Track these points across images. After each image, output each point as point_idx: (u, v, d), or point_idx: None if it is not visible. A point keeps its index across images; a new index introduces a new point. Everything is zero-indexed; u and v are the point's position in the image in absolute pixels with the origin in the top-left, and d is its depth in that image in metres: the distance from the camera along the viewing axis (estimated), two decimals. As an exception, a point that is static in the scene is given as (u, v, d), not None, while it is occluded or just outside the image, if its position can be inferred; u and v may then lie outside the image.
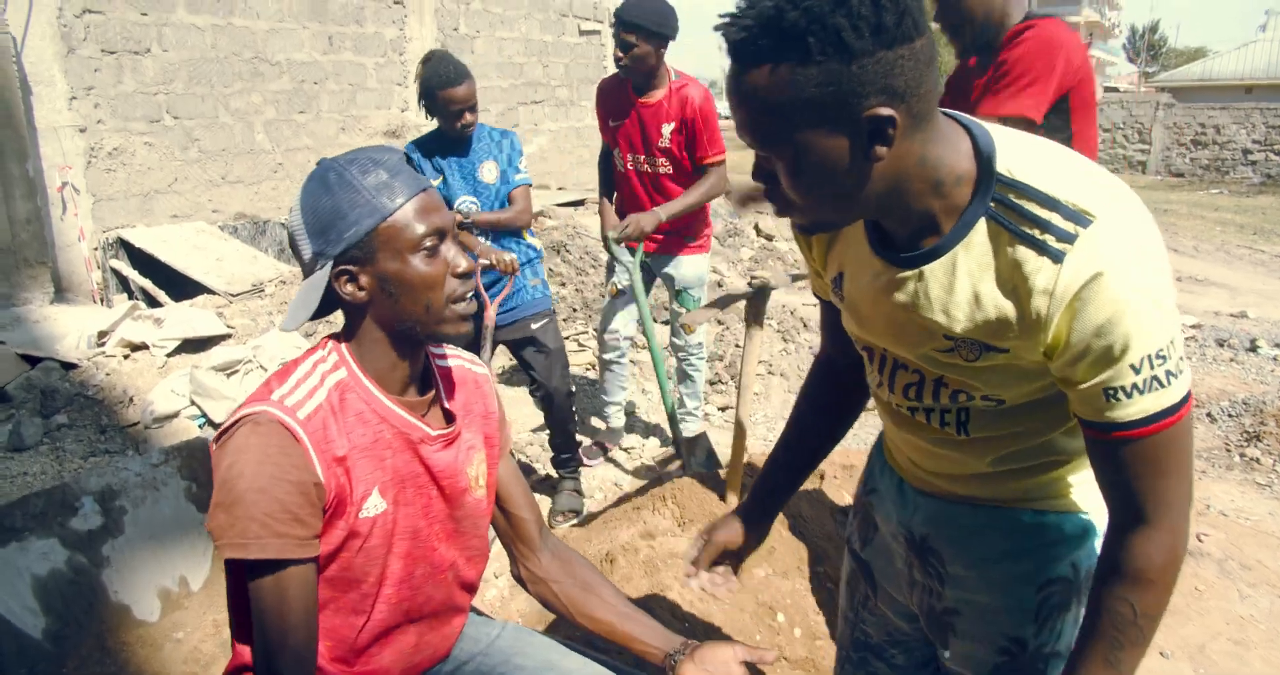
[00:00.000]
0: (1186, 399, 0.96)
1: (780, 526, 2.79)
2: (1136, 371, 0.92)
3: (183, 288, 5.95)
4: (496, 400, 1.38)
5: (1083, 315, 0.91)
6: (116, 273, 6.27)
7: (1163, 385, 0.93)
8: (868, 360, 1.23)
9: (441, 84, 2.79)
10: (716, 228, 8.37)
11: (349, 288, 1.13)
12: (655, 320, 4.97)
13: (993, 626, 1.23)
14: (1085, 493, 1.17)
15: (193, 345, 4.73)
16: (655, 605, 2.26)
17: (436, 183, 2.98)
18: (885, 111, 0.88)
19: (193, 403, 3.95)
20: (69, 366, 4.47)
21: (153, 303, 5.91)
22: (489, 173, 3.02)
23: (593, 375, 4.79)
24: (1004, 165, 0.96)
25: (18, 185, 5.71)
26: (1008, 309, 0.97)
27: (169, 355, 4.63)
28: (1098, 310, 0.90)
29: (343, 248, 1.10)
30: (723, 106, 1.79)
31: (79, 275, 6.13)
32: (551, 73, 10.87)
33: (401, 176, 1.12)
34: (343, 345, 1.19)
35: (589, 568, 1.41)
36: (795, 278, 2.91)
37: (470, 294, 1.17)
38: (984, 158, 0.97)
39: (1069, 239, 0.91)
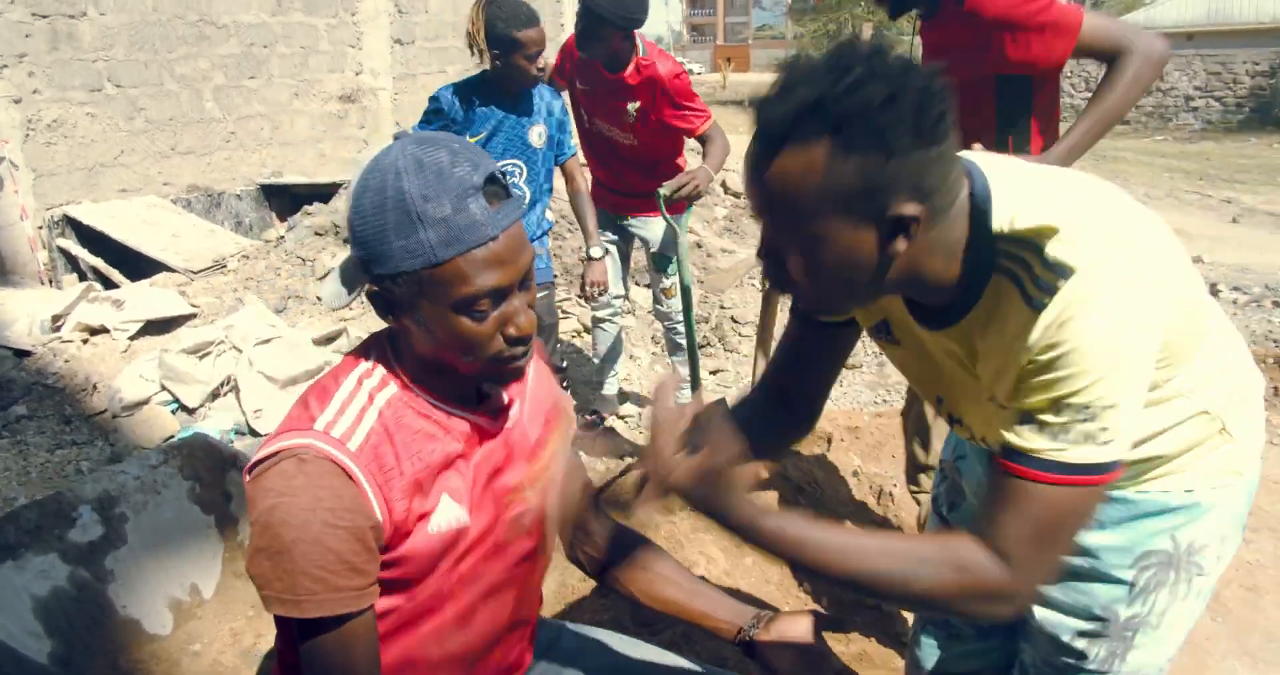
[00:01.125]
0: (1090, 473, 0.91)
1: (796, 494, 2.74)
2: (1056, 412, 0.90)
3: (137, 266, 5.68)
4: (557, 385, 1.27)
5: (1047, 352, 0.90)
6: (64, 252, 5.96)
7: (1068, 440, 0.90)
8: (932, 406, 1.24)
9: (521, 24, 2.56)
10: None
11: (384, 312, 0.98)
12: (636, 284, 4.86)
13: (1083, 596, 1.19)
14: (1191, 478, 1.13)
15: (156, 327, 4.51)
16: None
17: (477, 139, 2.74)
18: (911, 210, 0.88)
19: (163, 388, 3.76)
20: (22, 354, 4.24)
21: (107, 283, 5.64)
22: (538, 136, 2.82)
23: (579, 342, 4.67)
24: (1002, 217, 0.94)
25: (-48, 162, 5.36)
26: (1009, 360, 0.95)
27: (131, 338, 4.40)
28: (1058, 346, 0.89)
29: (382, 272, 0.93)
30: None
31: (23, 256, 5.81)
32: (507, 31, 10.54)
33: (474, 208, 0.90)
34: (388, 353, 1.04)
35: (646, 544, 1.29)
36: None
37: (524, 351, 1.00)
38: (978, 211, 0.95)
39: (1050, 291, 0.90)
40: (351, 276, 0.98)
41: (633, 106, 3.04)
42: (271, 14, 7.47)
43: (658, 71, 2.99)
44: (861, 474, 2.93)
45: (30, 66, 5.77)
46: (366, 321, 4.62)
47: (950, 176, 0.91)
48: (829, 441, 3.15)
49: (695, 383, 3.05)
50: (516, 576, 1.15)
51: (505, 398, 1.12)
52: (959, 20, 1.82)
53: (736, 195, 8.14)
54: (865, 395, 4.13)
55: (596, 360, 3.65)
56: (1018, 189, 0.96)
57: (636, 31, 2.97)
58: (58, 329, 4.47)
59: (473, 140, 2.75)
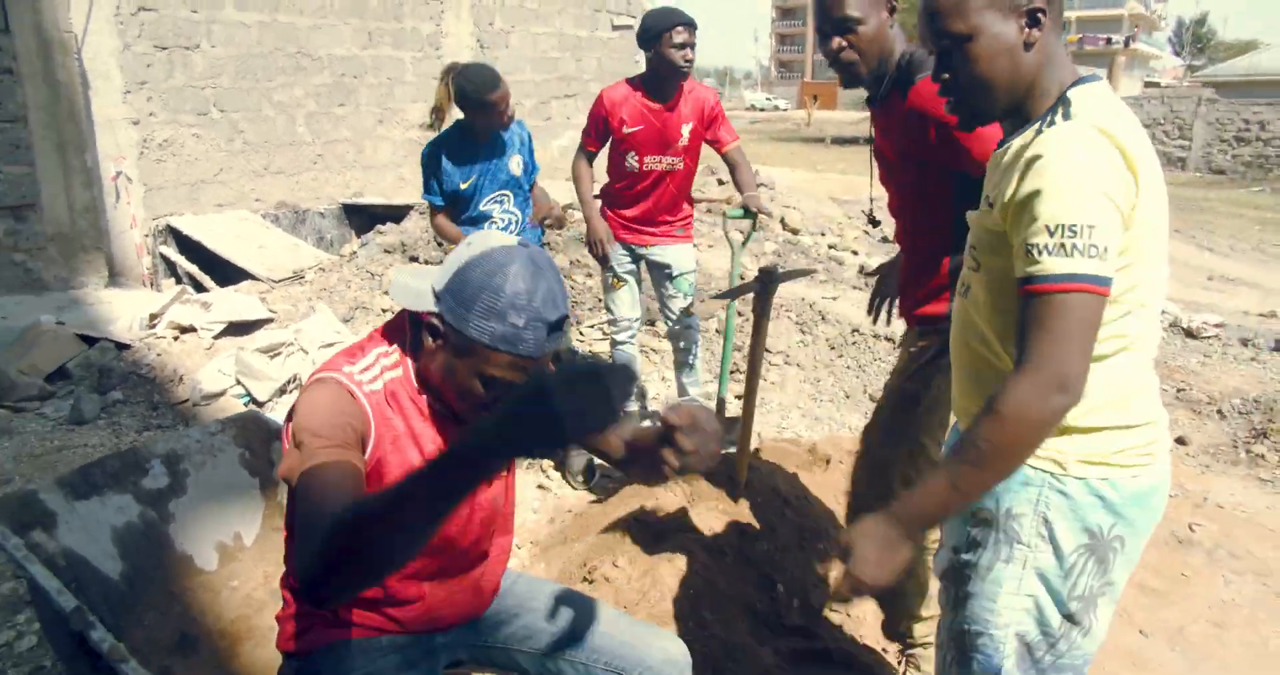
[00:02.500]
0: (1088, 279, 1.16)
1: (783, 506, 2.97)
2: (1051, 234, 1.17)
3: (226, 273, 6.24)
4: None
5: (1027, 179, 1.21)
6: (165, 258, 6.57)
7: (1067, 254, 1.16)
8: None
9: (488, 88, 3.01)
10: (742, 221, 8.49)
11: (426, 336, 1.32)
12: (645, 310, 5.14)
13: (949, 527, 1.49)
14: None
15: (237, 328, 5.00)
16: (662, 572, 2.45)
17: (468, 184, 3.17)
18: (1039, 2, 1.26)
19: (238, 382, 4.21)
20: (123, 347, 4.76)
21: (198, 287, 6.21)
22: (517, 166, 3.25)
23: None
24: (1074, 93, 1.29)
25: (77, 175, 6.02)
26: (1012, 169, 1.26)
27: (215, 337, 4.90)
28: (1035, 179, 1.20)
29: (450, 319, 1.26)
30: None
31: (131, 261, 6.45)
32: (584, 67, 11.05)
33: (535, 336, 1.24)
34: (407, 348, 1.38)
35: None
36: (803, 273, 3.07)
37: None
38: (1070, 86, 1.31)
39: (1050, 125, 1.25)
40: (416, 289, 1.32)
41: (686, 128, 3.45)
42: (362, 47, 8.10)
43: (704, 95, 3.47)
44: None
45: (149, 92, 6.44)
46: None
47: None
48: (827, 463, 3.38)
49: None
50: (469, 534, 1.46)
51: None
52: (901, 111, 1.98)
53: (794, 231, 8.37)
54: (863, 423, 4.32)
55: None
56: (1099, 92, 1.29)
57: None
58: (154, 326, 5.00)
59: (464, 185, 3.16)
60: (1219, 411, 4.82)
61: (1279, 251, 12.21)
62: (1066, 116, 1.24)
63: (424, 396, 1.38)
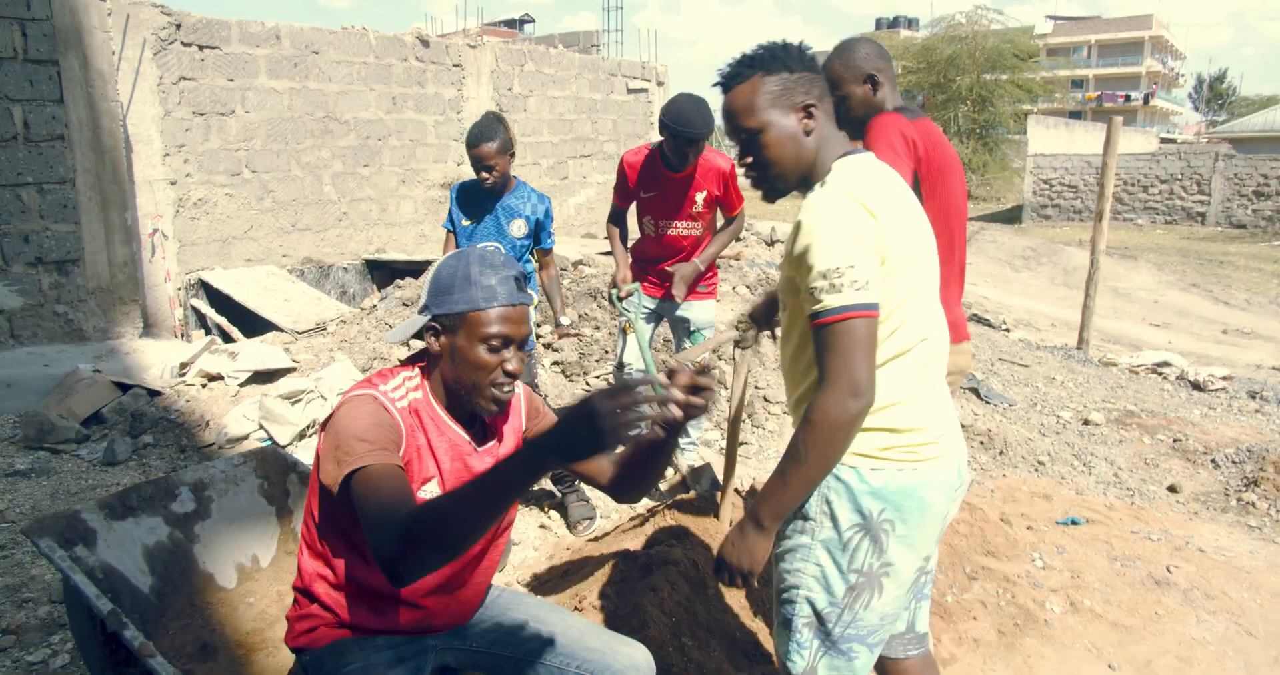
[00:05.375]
0: (857, 307, 1.45)
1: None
2: (823, 277, 1.47)
3: (253, 324, 6.55)
4: (523, 412, 1.79)
5: (798, 238, 1.52)
6: (196, 310, 6.91)
7: (838, 291, 1.46)
8: None
9: (472, 142, 3.27)
10: (750, 276, 8.78)
11: (430, 339, 1.57)
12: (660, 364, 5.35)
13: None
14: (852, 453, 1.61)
15: (262, 376, 5.26)
16: (645, 601, 2.62)
17: (468, 224, 3.43)
18: (810, 99, 1.61)
19: (261, 426, 4.45)
20: (154, 393, 5.03)
21: (226, 338, 6.52)
22: (518, 229, 3.47)
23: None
24: (838, 164, 1.62)
25: (117, 233, 6.40)
26: (793, 229, 1.58)
27: (241, 385, 5.17)
28: (803, 238, 1.51)
29: (440, 312, 1.53)
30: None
31: (164, 312, 6.79)
32: (600, 128, 11.50)
33: (506, 287, 1.53)
34: (423, 374, 1.62)
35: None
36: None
37: (509, 387, 1.57)
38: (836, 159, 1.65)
39: (812, 192, 1.61)
40: (409, 325, 1.58)
41: (700, 196, 3.66)
42: (387, 112, 8.54)
43: (719, 164, 3.64)
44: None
45: (186, 154, 6.86)
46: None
47: (826, 96, 1.64)
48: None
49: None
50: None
51: (494, 430, 1.68)
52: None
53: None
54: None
55: None
56: (858, 163, 1.63)
57: None
58: (184, 374, 5.28)
59: (467, 223, 3.43)
60: (1213, 461, 4.91)
61: (1299, 308, 12.26)
62: (823, 185, 1.59)
63: (441, 414, 1.59)
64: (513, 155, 3.39)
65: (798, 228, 1.53)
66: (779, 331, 1.80)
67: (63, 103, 6.04)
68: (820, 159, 1.64)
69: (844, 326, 1.46)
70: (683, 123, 3.39)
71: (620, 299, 3.61)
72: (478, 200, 3.45)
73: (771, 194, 1.71)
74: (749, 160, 1.65)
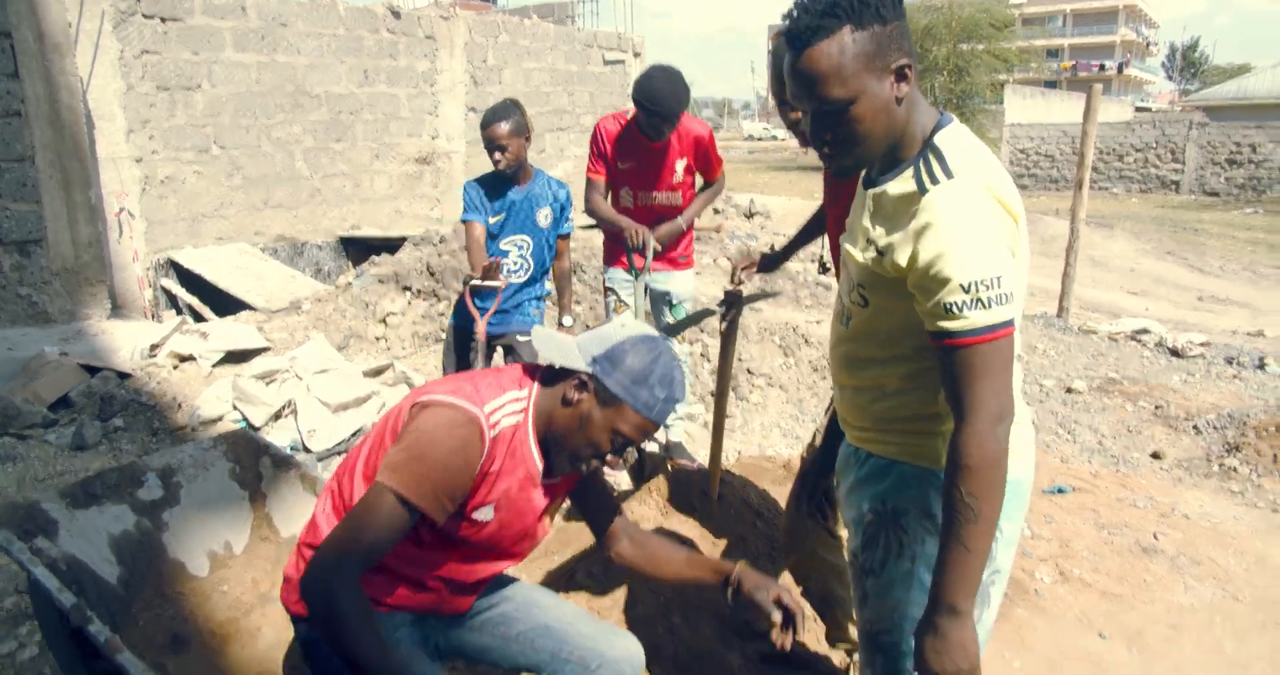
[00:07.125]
0: (1006, 325, 1.27)
1: (754, 518, 3.10)
2: (966, 291, 1.25)
3: (226, 304, 6.41)
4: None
5: (925, 243, 1.28)
6: (166, 291, 6.75)
7: (986, 308, 1.25)
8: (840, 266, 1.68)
9: (486, 122, 3.21)
10: (730, 248, 8.70)
11: (571, 389, 1.53)
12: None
13: (850, 538, 1.62)
14: (913, 448, 1.48)
15: (235, 357, 5.15)
16: (635, 580, 2.57)
17: (495, 220, 3.34)
18: (905, 60, 1.32)
19: (235, 407, 4.35)
20: (124, 376, 4.90)
21: (198, 318, 6.38)
22: (545, 218, 3.41)
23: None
24: (939, 139, 1.37)
25: (81, 211, 6.22)
26: (899, 221, 1.36)
27: (214, 365, 5.05)
28: (934, 243, 1.28)
29: (604, 381, 1.51)
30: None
31: (133, 293, 6.62)
32: (577, 101, 11.32)
33: (667, 408, 1.54)
34: (533, 404, 1.57)
35: (658, 541, 1.81)
36: (765, 296, 3.22)
37: (595, 466, 1.60)
38: (936, 126, 1.40)
39: (934, 182, 1.32)
40: (565, 353, 1.55)
41: (680, 164, 3.57)
42: (359, 85, 8.34)
43: (696, 130, 3.55)
44: (822, 505, 3.27)
45: (151, 131, 6.66)
46: (414, 360, 5.18)
47: (911, 45, 1.35)
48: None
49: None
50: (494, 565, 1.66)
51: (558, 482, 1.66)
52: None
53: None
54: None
55: None
56: (963, 138, 1.38)
57: None
58: (154, 356, 5.16)
59: (494, 220, 3.33)
60: (1195, 427, 4.92)
61: (1270, 272, 12.34)
62: (947, 172, 1.31)
63: (530, 441, 1.56)
64: (528, 140, 3.32)
65: (924, 228, 1.29)
66: (838, 317, 1.56)
67: (18, 77, 5.82)
68: (909, 131, 1.37)
69: (993, 347, 1.26)
70: (655, 101, 3.29)
71: (639, 247, 3.49)
72: (502, 193, 3.37)
73: (847, 170, 1.45)
74: (829, 137, 1.35)
